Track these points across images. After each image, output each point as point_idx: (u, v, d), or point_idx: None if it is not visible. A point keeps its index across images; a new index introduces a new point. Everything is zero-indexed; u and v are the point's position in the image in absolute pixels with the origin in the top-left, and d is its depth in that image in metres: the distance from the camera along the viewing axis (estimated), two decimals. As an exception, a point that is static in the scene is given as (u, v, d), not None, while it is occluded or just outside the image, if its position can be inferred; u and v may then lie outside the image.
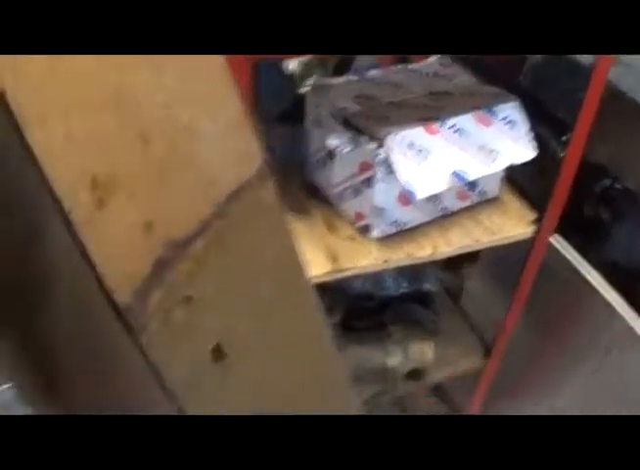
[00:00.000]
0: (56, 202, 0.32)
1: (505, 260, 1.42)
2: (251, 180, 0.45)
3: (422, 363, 1.47)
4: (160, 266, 0.39)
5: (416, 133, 1.05)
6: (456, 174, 1.06)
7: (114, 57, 0.34)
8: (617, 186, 1.26)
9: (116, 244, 0.36)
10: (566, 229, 1.24)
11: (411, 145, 1.04)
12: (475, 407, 1.57)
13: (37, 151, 0.31)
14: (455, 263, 1.56)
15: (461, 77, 1.25)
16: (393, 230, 1.17)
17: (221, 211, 0.43)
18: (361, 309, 1.51)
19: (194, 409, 0.44)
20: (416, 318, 1.48)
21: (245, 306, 0.48)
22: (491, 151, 1.08)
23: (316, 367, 0.60)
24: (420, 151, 1.05)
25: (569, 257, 1.25)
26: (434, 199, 1.16)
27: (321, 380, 0.62)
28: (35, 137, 0.31)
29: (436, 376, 1.54)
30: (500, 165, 1.10)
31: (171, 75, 0.37)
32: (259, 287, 0.49)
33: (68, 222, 0.33)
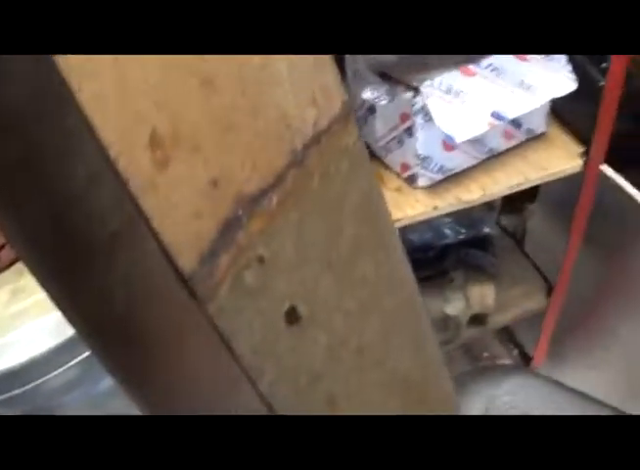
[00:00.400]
0: (111, 164, 0.28)
1: (564, 197, 1.40)
2: (331, 123, 0.40)
3: (483, 307, 1.48)
4: (229, 226, 0.35)
5: (452, 77, 1.04)
6: (496, 114, 1.05)
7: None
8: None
9: (180, 207, 0.32)
10: (616, 160, 1.22)
11: (448, 89, 1.04)
12: (542, 347, 1.57)
13: (86, 106, 0.27)
14: (514, 205, 1.55)
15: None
16: (440, 177, 1.17)
17: (298, 160, 0.38)
18: (421, 260, 1.52)
19: (265, 377, 0.40)
20: (475, 263, 1.48)
21: (324, 262, 0.43)
22: (530, 86, 1.06)
23: (401, 323, 0.55)
24: (457, 94, 1.04)
25: (622, 186, 1.23)
26: (479, 142, 1.15)
27: (406, 336, 0.56)
28: (83, 90, 0.27)
29: (501, 319, 1.54)
30: (540, 100, 1.08)
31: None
32: (340, 240, 0.44)
33: (126, 191, 0.29)
